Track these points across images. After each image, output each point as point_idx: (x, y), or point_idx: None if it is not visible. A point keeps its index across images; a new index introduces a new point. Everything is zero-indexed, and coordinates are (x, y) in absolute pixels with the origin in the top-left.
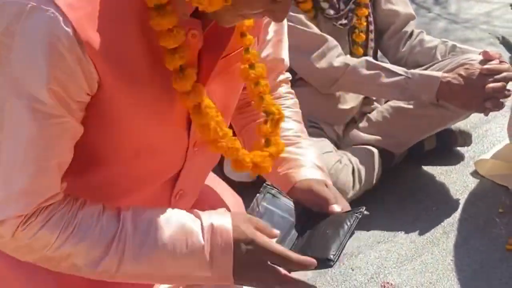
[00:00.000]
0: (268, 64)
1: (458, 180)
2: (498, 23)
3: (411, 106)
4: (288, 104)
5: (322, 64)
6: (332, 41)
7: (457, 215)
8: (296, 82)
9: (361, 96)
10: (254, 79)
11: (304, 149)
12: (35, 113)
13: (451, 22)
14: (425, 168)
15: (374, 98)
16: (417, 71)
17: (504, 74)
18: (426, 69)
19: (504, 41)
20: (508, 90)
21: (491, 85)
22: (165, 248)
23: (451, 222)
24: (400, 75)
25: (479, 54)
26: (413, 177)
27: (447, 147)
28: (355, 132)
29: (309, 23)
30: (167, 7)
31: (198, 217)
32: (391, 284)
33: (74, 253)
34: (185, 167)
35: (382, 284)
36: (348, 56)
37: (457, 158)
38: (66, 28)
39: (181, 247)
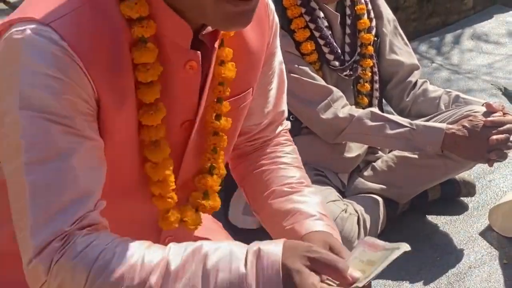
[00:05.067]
0: (270, 117)
1: (462, 230)
2: (500, 74)
3: (416, 156)
4: (287, 150)
5: (327, 115)
6: (337, 92)
7: (461, 265)
8: (302, 130)
9: (366, 145)
10: (217, 130)
11: (307, 197)
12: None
13: (453, 72)
14: (429, 217)
15: (378, 148)
16: (422, 122)
17: (507, 125)
18: (430, 119)
19: (506, 92)
20: None
21: (495, 136)
22: (209, 276)
23: (456, 273)
24: (405, 126)
25: (483, 105)
26: (417, 226)
27: (451, 197)
28: (359, 180)
29: (314, 74)
30: (148, 43)
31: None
32: None
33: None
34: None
35: None
36: (353, 107)
37: (461, 208)
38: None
39: (223, 274)
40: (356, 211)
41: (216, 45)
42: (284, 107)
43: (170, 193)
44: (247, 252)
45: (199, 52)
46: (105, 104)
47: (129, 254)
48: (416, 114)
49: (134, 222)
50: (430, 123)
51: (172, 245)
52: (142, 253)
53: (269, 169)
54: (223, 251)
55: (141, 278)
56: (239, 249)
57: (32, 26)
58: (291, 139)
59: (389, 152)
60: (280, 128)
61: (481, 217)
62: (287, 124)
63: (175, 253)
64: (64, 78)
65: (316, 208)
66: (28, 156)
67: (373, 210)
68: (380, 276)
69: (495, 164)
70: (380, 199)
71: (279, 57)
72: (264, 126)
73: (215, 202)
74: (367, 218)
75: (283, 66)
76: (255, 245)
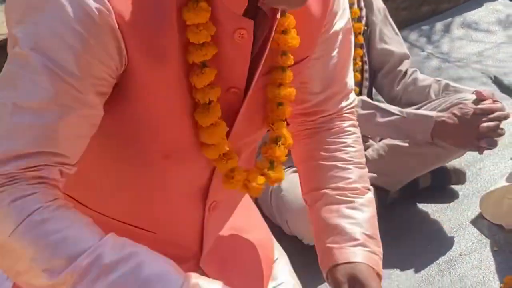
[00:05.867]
0: (330, 89)
1: (452, 218)
2: (490, 63)
3: (406, 144)
4: (349, 142)
5: None
6: None
7: (451, 253)
8: None
9: None
10: (280, 100)
11: (358, 211)
12: (53, 76)
13: (443, 61)
14: (419, 205)
15: (369, 136)
16: (412, 110)
17: (497, 113)
18: (420, 107)
19: (496, 80)
20: (502, 129)
21: (485, 124)
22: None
23: (446, 260)
24: (395, 114)
25: (472, 93)
26: (408, 214)
27: (442, 185)
28: None
29: None
30: (201, 3)
31: (183, 273)
32: None
33: (35, 250)
34: (215, 175)
35: None
36: None
37: (452, 196)
38: None
39: None
40: None
41: (278, 14)
42: (349, 79)
43: (232, 153)
44: (182, 284)
45: (252, 20)
46: (138, 64)
47: (65, 224)
48: (406, 103)
49: (181, 190)
50: (420, 111)
51: (110, 236)
52: (78, 228)
53: (325, 165)
54: (158, 267)
55: (69, 255)
56: (175, 276)
57: None
58: (356, 122)
59: (379, 141)
60: (343, 104)
61: (472, 204)
62: (352, 100)
63: (111, 247)
64: (89, 37)
65: (363, 227)
66: (20, 98)
67: None
68: None
69: (486, 152)
70: (371, 187)
71: (346, 24)
72: (323, 97)
73: (280, 174)
74: None
75: (352, 36)
76: (195, 277)
